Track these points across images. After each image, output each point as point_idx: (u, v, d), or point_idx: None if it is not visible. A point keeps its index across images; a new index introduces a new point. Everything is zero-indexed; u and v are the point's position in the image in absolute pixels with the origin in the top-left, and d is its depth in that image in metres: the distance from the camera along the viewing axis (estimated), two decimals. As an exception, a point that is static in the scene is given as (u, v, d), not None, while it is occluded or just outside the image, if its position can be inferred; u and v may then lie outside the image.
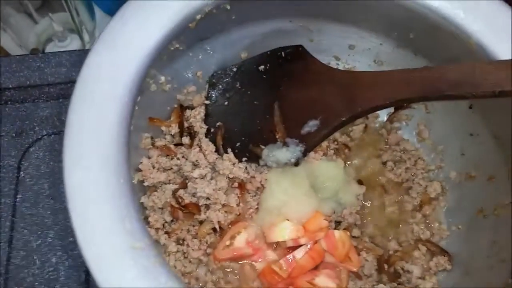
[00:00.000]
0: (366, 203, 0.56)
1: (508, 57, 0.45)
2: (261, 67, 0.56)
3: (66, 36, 0.79)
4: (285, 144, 0.52)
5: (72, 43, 0.79)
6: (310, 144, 0.51)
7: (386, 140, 0.60)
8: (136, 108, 0.47)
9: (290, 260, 0.50)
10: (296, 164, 0.52)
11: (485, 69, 0.44)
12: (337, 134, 0.60)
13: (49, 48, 0.80)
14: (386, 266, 0.52)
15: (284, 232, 0.51)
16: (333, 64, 0.62)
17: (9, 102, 0.64)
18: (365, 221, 0.55)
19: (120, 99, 0.37)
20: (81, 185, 0.33)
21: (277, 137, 0.52)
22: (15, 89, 0.65)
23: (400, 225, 0.55)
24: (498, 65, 0.45)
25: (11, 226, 0.57)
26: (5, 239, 0.56)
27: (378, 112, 0.62)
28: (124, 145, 0.36)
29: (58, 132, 0.62)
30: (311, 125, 0.50)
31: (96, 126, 0.35)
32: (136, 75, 0.39)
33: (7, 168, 0.60)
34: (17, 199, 0.58)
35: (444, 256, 0.53)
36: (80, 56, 0.68)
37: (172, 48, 0.47)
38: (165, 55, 0.46)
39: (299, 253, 0.50)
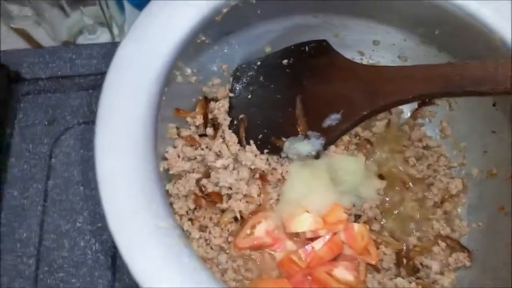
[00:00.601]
0: (387, 198, 0.57)
1: (533, 54, 0.45)
2: (285, 61, 0.57)
3: (96, 29, 0.82)
4: (306, 137, 0.52)
5: (102, 36, 0.81)
6: (331, 137, 0.52)
7: (408, 136, 0.60)
8: (163, 98, 0.48)
9: (309, 251, 0.51)
10: (317, 156, 0.53)
11: (508, 66, 0.44)
12: (359, 129, 0.60)
13: (80, 41, 0.82)
14: (405, 261, 0.52)
15: (304, 223, 0.52)
16: (357, 59, 0.62)
17: (42, 92, 0.67)
18: (385, 215, 0.56)
19: (148, 89, 0.39)
20: (111, 171, 0.35)
21: (298, 130, 0.53)
22: (48, 79, 0.68)
23: (420, 221, 0.56)
24: (522, 62, 0.45)
25: (43, 210, 0.59)
26: (37, 222, 0.58)
27: (402, 108, 0.62)
28: (152, 134, 0.38)
29: (88, 121, 0.64)
30: (333, 119, 0.51)
31: (125, 116, 0.37)
32: (163, 66, 0.40)
33: (40, 155, 0.62)
34: (49, 185, 0.61)
35: (464, 252, 0.53)
36: (110, 49, 0.70)
37: (198, 41, 0.48)
38: (191, 48, 0.47)
39: (318, 244, 0.51)
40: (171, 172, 0.52)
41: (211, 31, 0.49)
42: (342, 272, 0.50)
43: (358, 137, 0.60)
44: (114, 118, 0.37)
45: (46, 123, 0.65)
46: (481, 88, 0.45)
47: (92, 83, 0.67)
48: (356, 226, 0.52)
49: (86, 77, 0.68)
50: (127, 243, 0.33)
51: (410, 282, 0.51)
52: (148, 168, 0.36)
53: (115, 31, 0.81)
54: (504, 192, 0.53)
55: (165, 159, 0.52)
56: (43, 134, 0.64)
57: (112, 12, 0.79)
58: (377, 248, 0.53)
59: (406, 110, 0.62)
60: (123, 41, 0.40)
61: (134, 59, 0.39)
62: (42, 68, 0.68)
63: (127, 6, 0.83)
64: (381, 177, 0.57)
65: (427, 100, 0.58)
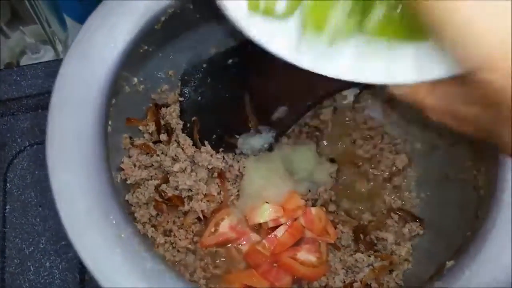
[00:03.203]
0: (340, 180, 0.60)
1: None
2: (230, 61, 0.59)
3: (39, 48, 0.81)
4: (258, 131, 0.55)
5: (46, 54, 0.80)
6: (280, 129, 0.54)
7: (353, 120, 0.64)
8: (112, 110, 0.49)
9: (272, 239, 0.53)
10: (270, 149, 0.55)
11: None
12: (308, 118, 0.63)
13: (24, 61, 0.81)
14: (362, 236, 0.55)
15: (265, 214, 0.54)
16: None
17: (-11, 118, 0.66)
18: (339, 196, 0.59)
19: (94, 102, 0.40)
20: (66, 186, 0.36)
21: (250, 125, 0.55)
22: (-7, 104, 0.67)
23: (372, 197, 0.59)
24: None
25: (3, 236, 0.59)
26: (-2, 249, 0.58)
27: (346, 93, 0.66)
28: (102, 144, 0.39)
29: (40, 142, 0.64)
30: (280, 112, 0.53)
31: (74, 130, 0.38)
32: (107, 79, 0.41)
33: (-7, 181, 0.62)
34: (6, 210, 0.60)
35: (416, 221, 0.57)
36: (55, 67, 0.68)
37: (141, 51, 0.49)
38: (135, 58, 0.48)
39: (280, 232, 0.53)
40: (128, 182, 0.52)
41: (153, 39, 0.50)
42: (305, 255, 0.53)
43: (307, 126, 0.63)
44: (63, 133, 0.38)
45: (-4, 148, 0.64)
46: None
47: (41, 103, 0.66)
48: (313, 210, 0.55)
49: (34, 98, 0.67)
50: (91, 255, 0.34)
51: (369, 256, 0.54)
52: (102, 180, 0.37)
53: (59, 47, 0.80)
54: (447, 161, 0.57)
55: (121, 169, 0.52)
56: (-5, 160, 0.63)
57: (54, 29, 0.78)
58: (335, 228, 0.56)
59: (350, 95, 0.65)
60: (65, 59, 0.41)
61: (77, 75, 0.40)
62: (-14, 93, 0.67)
63: (69, 21, 0.82)
64: (332, 161, 0.60)
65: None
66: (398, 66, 0.33)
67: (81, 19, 0.79)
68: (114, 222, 0.35)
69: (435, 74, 0.32)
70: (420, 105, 0.35)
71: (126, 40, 0.43)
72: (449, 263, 0.41)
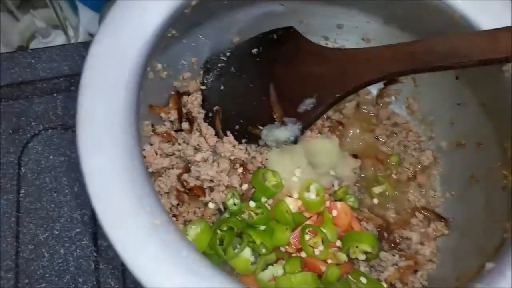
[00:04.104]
0: (362, 175, 0.58)
1: (490, 27, 0.47)
2: (254, 50, 0.57)
3: (49, 32, 0.79)
4: (283, 123, 0.53)
5: (57, 39, 0.79)
6: (307, 121, 0.52)
7: (377, 115, 0.62)
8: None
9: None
10: (295, 142, 0.53)
11: (470, 40, 0.46)
12: (330, 112, 0.62)
13: (34, 45, 0.80)
14: (386, 235, 0.54)
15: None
16: (322, 43, 0.64)
17: (3, 100, 0.64)
18: (362, 192, 0.57)
19: (126, 85, 0.38)
20: (98, 170, 0.34)
21: (274, 117, 0.53)
22: (8, 86, 0.65)
23: (396, 195, 0.58)
24: (482, 35, 0.47)
25: (17, 221, 0.57)
26: (12, 234, 0.56)
27: (369, 88, 0.64)
28: (134, 128, 0.38)
29: (55, 126, 0.63)
30: (308, 104, 0.52)
31: (106, 112, 0.37)
32: (138, 62, 0.40)
33: (8, 165, 0.60)
34: (20, 195, 0.59)
35: (441, 221, 0.56)
36: (70, 50, 0.68)
37: (169, 35, 0.48)
38: (162, 42, 0.47)
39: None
40: (150, 170, 0.51)
41: (181, 24, 0.49)
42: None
43: (330, 120, 0.61)
44: (95, 115, 0.36)
45: (11, 131, 0.63)
46: (447, 62, 0.47)
47: (56, 87, 0.65)
48: (339, 204, 0.53)
49: (49, 81, 0.66)
50: (125, 242, 0.32)
51: (394, 255, 0.53)
52: (136, 165, 0.36)
53: (70, 33, 0.79)
54: (473, 161, 0.56)
55: (143, 157, 0.51)
56: (9, 143, 0.62)
57: (65, 13, 0.76)
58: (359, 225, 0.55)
59: (373, 90, 0.64)
60: (96, 37, 0.39)
61: (109, 55, 0.39)
62: (1, 75, 0.66)
63: (80, 7, 0.80)
64: (355, 156, 0.59)
65: (395, 78, 0.60)
66: None
67: (92, 4, 0.78)
68: (148, 208, 0.34)
69: None
70: None
71: (157, 22, 0.42)
72: (489, 265, 0.40)
